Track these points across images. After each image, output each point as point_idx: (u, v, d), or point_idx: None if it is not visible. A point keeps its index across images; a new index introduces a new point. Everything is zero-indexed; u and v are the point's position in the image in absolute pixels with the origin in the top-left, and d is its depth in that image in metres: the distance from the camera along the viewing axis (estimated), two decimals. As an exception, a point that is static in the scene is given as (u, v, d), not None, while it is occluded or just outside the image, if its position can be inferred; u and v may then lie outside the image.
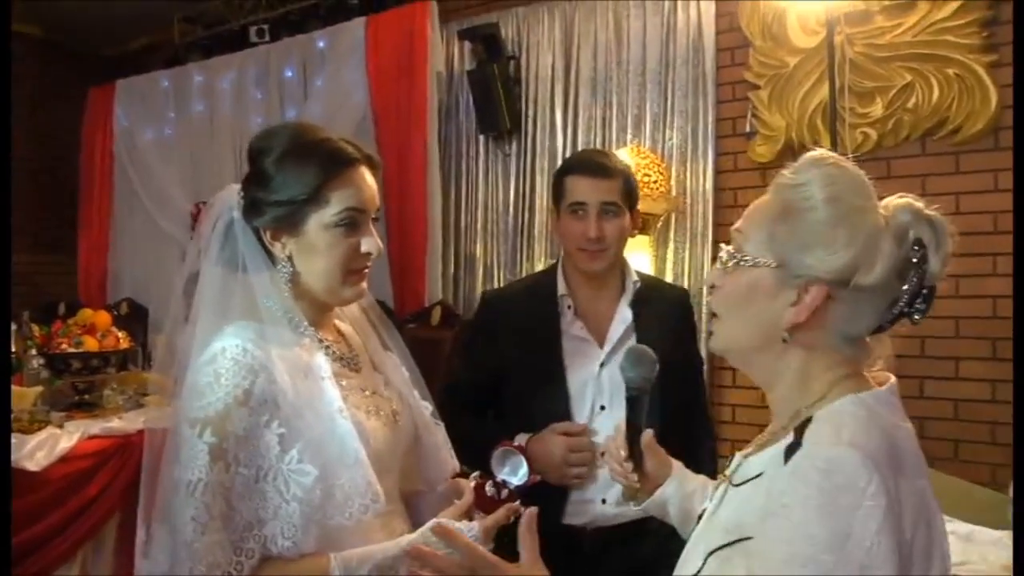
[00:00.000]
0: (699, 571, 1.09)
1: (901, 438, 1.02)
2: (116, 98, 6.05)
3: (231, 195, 1.42)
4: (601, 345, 2.10)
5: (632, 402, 1.48)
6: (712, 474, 2.26)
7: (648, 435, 1.48)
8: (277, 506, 1.27)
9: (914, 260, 1.04)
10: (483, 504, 1.53)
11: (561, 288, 2.15)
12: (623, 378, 1.48)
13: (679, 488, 1.49)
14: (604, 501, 2.03)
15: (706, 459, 2.15)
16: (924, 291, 1.04)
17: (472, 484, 1.55)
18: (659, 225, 3.92)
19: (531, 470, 1.55)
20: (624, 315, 2.13)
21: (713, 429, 2.48)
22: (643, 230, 3.78)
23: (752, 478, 1.09)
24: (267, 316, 1.36)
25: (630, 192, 2.11)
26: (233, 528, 1.22)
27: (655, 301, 2.17)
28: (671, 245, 3.96)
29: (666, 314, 2.18)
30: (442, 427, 1.65)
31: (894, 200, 1.08)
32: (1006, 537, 2.50)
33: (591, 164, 2.11)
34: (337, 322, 1.55)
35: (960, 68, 3.22)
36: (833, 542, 0.91)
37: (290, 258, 1.39)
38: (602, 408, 2.08)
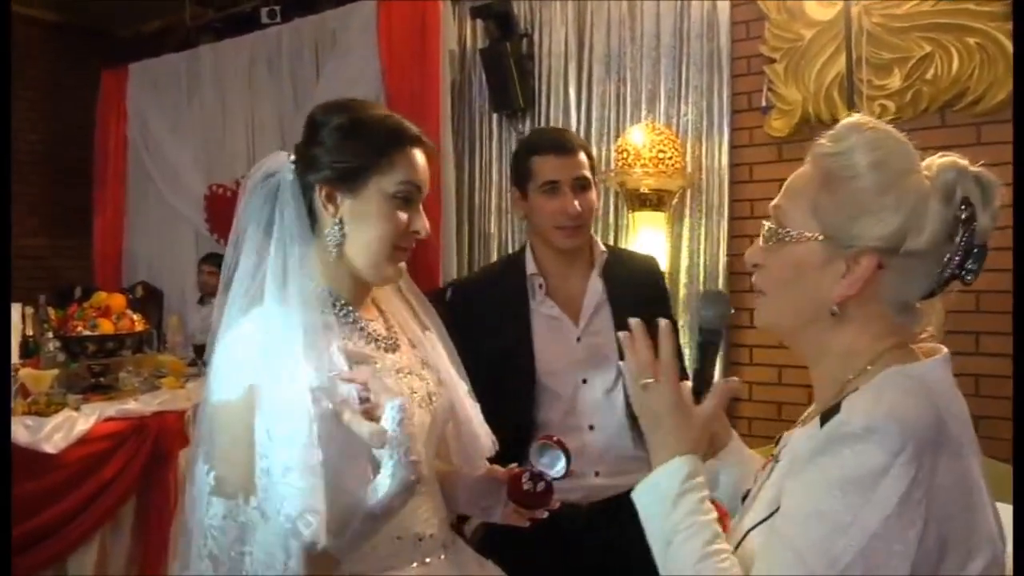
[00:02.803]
0: (738, 545, 1.09)
1: (949, 413, 0.99)
2: (129, 81, 6.04)
3: (280, 160, 1.41)
4: (576, 321, 2.12)
5: (704, 348, 1.33)
6: None
7: (727, 384, 1.27)
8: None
9: (962, 219, 1.01)
10: (518, 495, 1.53)
11: (531, 267, 2.16)
12: (700, 322, 1.33)
13: (738, 454, 1.36)
14: (597, 474, 2.03)
15: None
16: (975, 250, 1.01)
17: (509, 474, 1.55)
18: (674, 201, 3.89)
19: (568, 464, 1.52)
20: (596, 287, 2.14)
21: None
22: (658, 207, 3.80)
23: (793, 449, 1.09)
24: (299, 296, 1.33)
25: (593, 165, 2.16)
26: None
27: (625, 270, 2.19)
28: (687, 221, 3.93)
29: (637, 282, 2.19)
30: (478, 406, 1.63)
31: (937, 159, 1.06)
32: (1028, 513, 2.49)
33: (557, 142, 2.13)
34: (376, 297, 1.53)
35: (981, 37, 3.15)
36: (852, 503, 0.91)
37: (341, 222, 1.37)
38: (584, 382, 2.09)
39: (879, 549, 0.90)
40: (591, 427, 2.06)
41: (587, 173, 2.11)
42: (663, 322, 1.21)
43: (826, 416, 1.03)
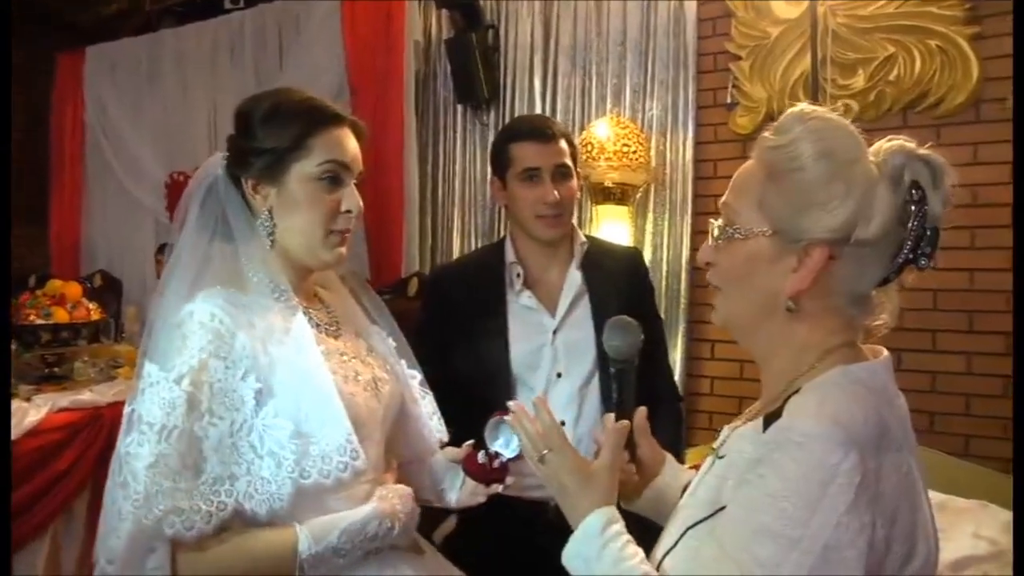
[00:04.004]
0: (674, 546, 1.07)
1: (891, 414, 0.99)
2: (86, 66, 5.89)
3: (215, 160, 1.44)
4: (553, 313, 2.09)
5: (619, 377, 1.38)
6: (678, 438, 2.29)
7: (641, 414, 1.37)
8: (250, 461, 1.25)
9: (913, 202, 1.00)
10: (473, 470, 1.55)
11: (510, 256, 2.13)
12: (608, 351, 1.40)
13: (674, 479, 1.38)
14: None
15: (671, 422, 2.14)
16: (927, 233, 1.00)
17: (464, 452, 1.58)
18: (638, 196, 3.87)
19: None
20: (574, 279, 2.11)
21: (678, 392, 2.47)
22: (622, 200, 3.78)
23: (735, 450, 1.07)
24: (250, 284, 1.36)
25: (575, 153, 2.13)
26: (204, 480, 1.22)
27: (605, 262, 2.16)
28: (650, 216, 3.91)
29: (618, 274, 2.16)
30: (430, 396, 1.64)
31: (884, 144, 1.05)
32: (977, 507, 2.55)
33: (537, 129, 2.09)
34: (318, 289, 1.55)
35: (942, 40, 3.17)
36: (800, 516, 0.89)
37: (271, 212, 1.39)
38: (559, 376, 2.05)
39: (832, 559, 0.89)
40: (562, 423, 2.00)
41: (568, 161, 2.08)
42: (537, 400, 1.29)
43: (769, 420, 1.01)
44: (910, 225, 1.00)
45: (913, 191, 1.00)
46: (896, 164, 1.01)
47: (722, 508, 1.00)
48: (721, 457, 1.11)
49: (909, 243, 1.00)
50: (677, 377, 3.67)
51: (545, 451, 1.22)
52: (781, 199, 1.04)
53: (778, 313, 1.06)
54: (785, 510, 0.90)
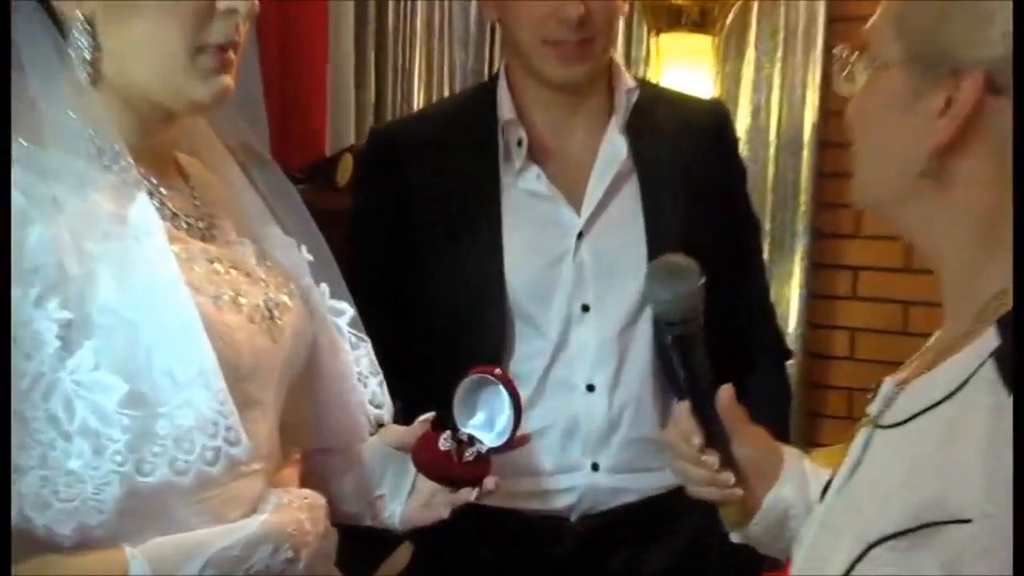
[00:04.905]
0: (850, 569, 0.77)
1: None
2: None
3: None
4: (577, 206, 1.62)
5: (679, 346, 1.04)
6: (781, 414, 1.84)
7: (727, 394, 1.05)
8: (48, 444, 0.90)
9: None
10: (433, 465, 1.18)
11: (506, 111, 1.62)
12: (654, 311, 1.19)
13: (802, 490, 1.05)
14: (596, 467, 1.53)
15: (768, 386, 1.70)
16: None
17: (418, 432, 1.24)
18: (729, 20, 2.96)
19: (518, 418, 1.19)
20: (614, 149, 1.61)
21: (783, 340, 1.93)
22: (702, 27, 2.95)
23: (927, 408, 0.77)
24: (53, 134, 1.01)
25: None
26: None
27: (667, 122, 1.65)
28: (749, 54, 2.99)
29: (688, 142, 1.65)
30: (366, 347, 1.24)
31: None
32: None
33: None
34: (181, 157, 1.18)
35: None
36: None
37: (90, 22, 1.01)
38: (585, 310, 1.58)
39: None
40: (590, 387, 1.54)
41: None
42: None
43: (1005, 366, 0.70)
44: None
45: None
46: None
47: (951, 522, 0.70)
48: (889, 427, 0.83)
49: None
50: (791, 328, 2.84)
51: None
52: (923, 8, 0.81)
53: (922, 187, 0.84)
54: None
